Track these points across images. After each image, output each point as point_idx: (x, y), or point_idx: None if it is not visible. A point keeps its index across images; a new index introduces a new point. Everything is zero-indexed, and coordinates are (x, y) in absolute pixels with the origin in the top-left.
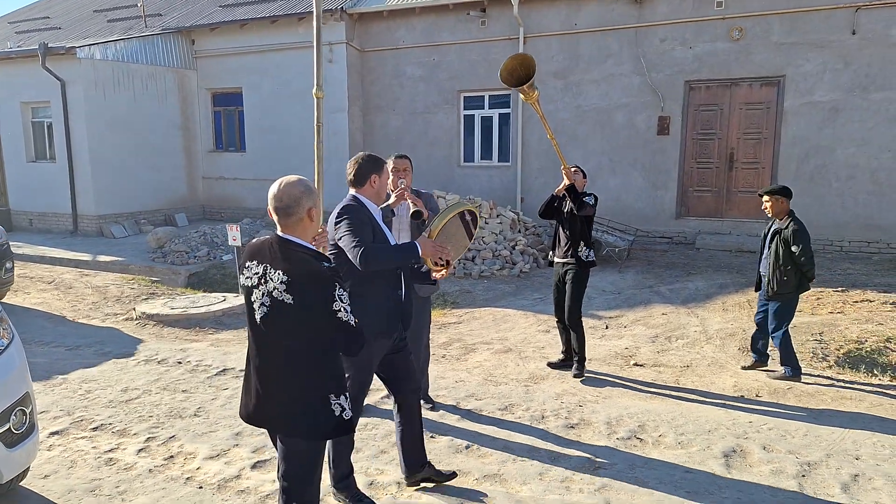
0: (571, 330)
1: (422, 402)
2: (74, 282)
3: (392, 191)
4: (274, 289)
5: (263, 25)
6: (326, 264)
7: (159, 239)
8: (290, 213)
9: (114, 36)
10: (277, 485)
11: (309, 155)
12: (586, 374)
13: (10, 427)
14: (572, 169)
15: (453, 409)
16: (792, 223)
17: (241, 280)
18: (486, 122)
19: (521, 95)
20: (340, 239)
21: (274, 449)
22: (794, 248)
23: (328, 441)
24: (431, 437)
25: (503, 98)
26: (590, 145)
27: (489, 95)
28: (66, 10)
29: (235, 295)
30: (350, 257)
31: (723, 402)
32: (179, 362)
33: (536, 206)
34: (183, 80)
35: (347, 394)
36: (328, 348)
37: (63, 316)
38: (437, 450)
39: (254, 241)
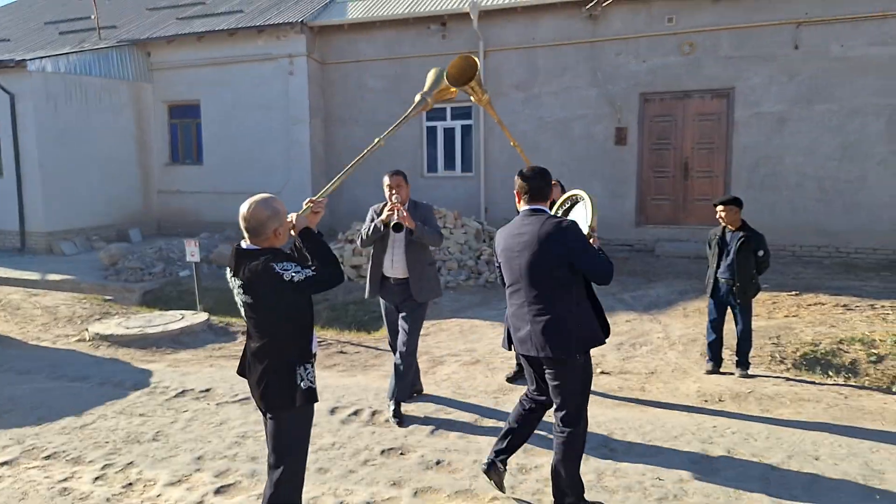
0: None
1: (391, 413)
2: (22, 302)
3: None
4: (239, 292)
5: (222, 38)
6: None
7: (112, 255)
8: (257, 233)
9: (66, 48)
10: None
11: (267, 166)
12: None
13: None
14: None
15: (422, 423)
16: (752, 231)
17: None
18: (449, 133)
19: (472, 97)
20: (582, 252)
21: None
22: (760, 254)
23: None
24: (401, 454)
25: (465, 109)
26: (551, 156)
27: (451, 107)
28: (16, 22)
29: (193, 313)
30: (601, 271)
31: (687, 407)
32: (136, 385)
33: (500, 215)
34: (138, 93)
35: (310, 364)
36: (293, 328)
37: (11, 338)
38: (408, 467)
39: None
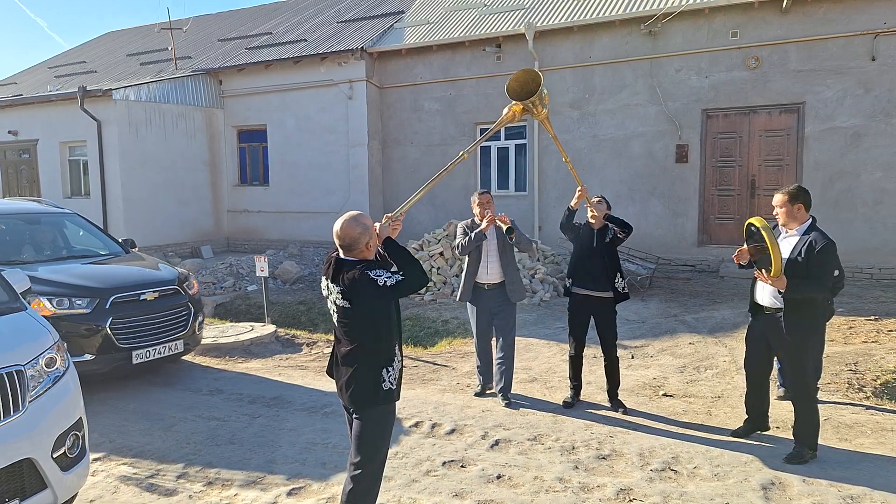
0: (610, 361)
1: (500, 398)
2: None
3: (480, 218)
4: (337, 298)
5: (287, 65)
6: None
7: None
8: (351, 248)
9: (147, 78)
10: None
11: (328, 187)
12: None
13: (65, 451)
14: (596, 199)
15: (482, 438)
16: None
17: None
18: (503, 152)
19: (532, 113)
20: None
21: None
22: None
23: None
24: (462, 466)
25: (519, 129)
26: (607, 174)
27: (505, 127)
28: (102, 55)
29: (262, 325)
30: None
31: (758, 433)
32: (211, 391)
33: (554, 234)
34: (211, 119)
35: (392, 367)
36: (381, 332)
37: None
38: (469, 479)
39: (327, 258)
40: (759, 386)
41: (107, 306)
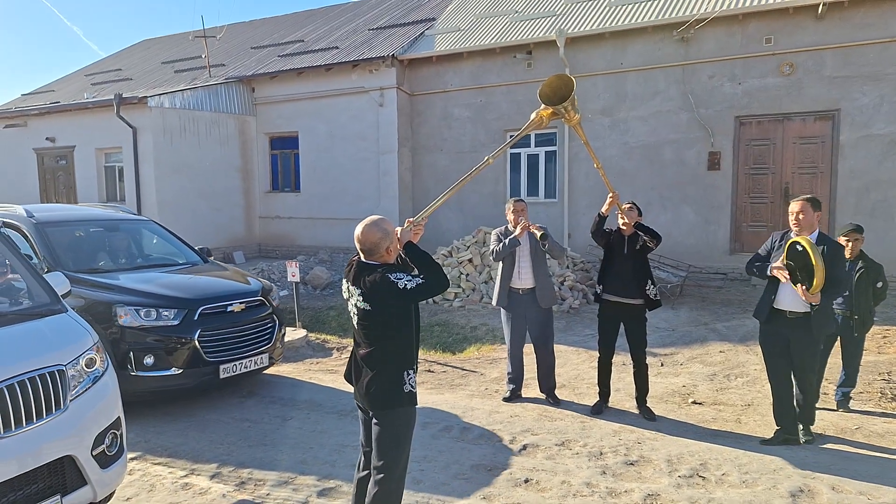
0: (639, 368)
1: (549, 399)
2: None
3: (513, 225)
4: (357, 301)
5: (319, 73)
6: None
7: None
8: (372, 252)
9: (181, 85)
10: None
11: (358, 194)
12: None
13: (104, 449)
14: (627, 206)
15: (509, 443)
16: (871, 261)
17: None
18: (533, 159)
19: (564, 119)
20: None
21: (362, 446)
22: (878, 285)
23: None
24: (489, 470)
25: (549, 136)
26: (638, 181)
27: (535, 134)
28: (137, 62)
29: (293, 329)
30: None
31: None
32: (244, 394)
33: (584, 242)
34: (243, 126)
35: (412, 371)
36: (402, 335)
37: None
38: (497, 483)
39: (349, 262)
40: (787, 394)
41: (195, 318)
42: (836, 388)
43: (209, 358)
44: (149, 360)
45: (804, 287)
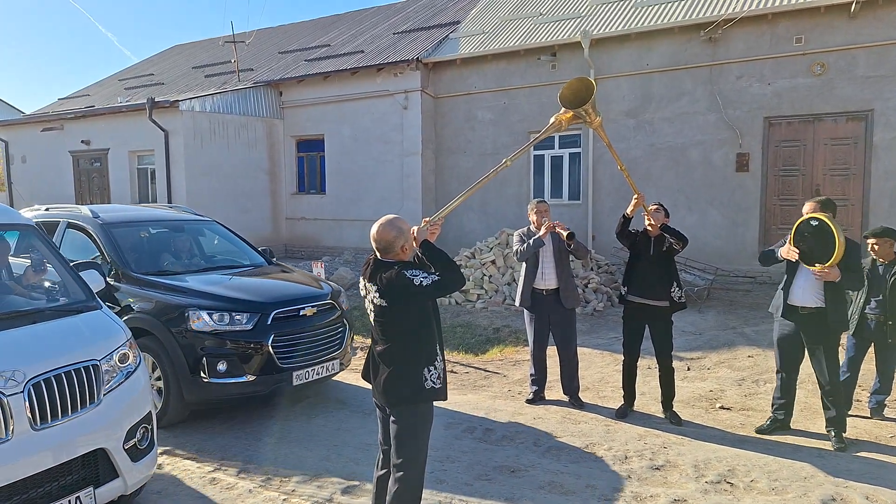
0: (665, 372)
1: (573, 401)
2: None
3: (536, 226)
4: (374, 297)
5: (345, 77)
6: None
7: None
8: (387, 251)
9: (211, 90)
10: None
11: (382, 196)
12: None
13: (135, 442)
14: (654, 207)
15: (533, 445)
16: None
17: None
18: (556, 161)
19: (585, 121)
20: None
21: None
22: None
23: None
24: (512, 471)
25: (573, 138)
26: (664, 182)
27: (559, 135)
28: (168, 67)
29: None
30: None
31: (819, 447)
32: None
33: (608, 244)
34: (271, 129)
35: (433, 367)
36: (420, 331)
37: None
38: (521, 484)
39: (366, 260)
40: (792, 386)
41: (268, 322)
42: (869, 395)
43: (282, 364)
44: (222, 366)
45: (820, 266)
